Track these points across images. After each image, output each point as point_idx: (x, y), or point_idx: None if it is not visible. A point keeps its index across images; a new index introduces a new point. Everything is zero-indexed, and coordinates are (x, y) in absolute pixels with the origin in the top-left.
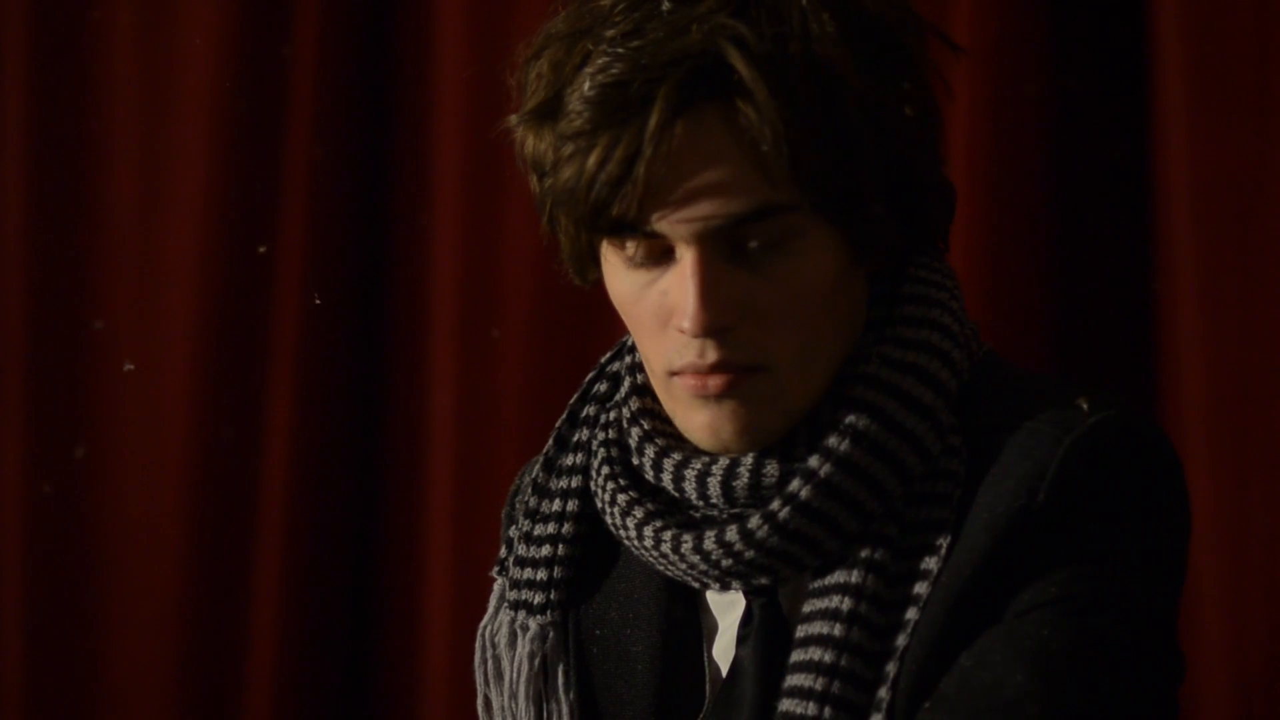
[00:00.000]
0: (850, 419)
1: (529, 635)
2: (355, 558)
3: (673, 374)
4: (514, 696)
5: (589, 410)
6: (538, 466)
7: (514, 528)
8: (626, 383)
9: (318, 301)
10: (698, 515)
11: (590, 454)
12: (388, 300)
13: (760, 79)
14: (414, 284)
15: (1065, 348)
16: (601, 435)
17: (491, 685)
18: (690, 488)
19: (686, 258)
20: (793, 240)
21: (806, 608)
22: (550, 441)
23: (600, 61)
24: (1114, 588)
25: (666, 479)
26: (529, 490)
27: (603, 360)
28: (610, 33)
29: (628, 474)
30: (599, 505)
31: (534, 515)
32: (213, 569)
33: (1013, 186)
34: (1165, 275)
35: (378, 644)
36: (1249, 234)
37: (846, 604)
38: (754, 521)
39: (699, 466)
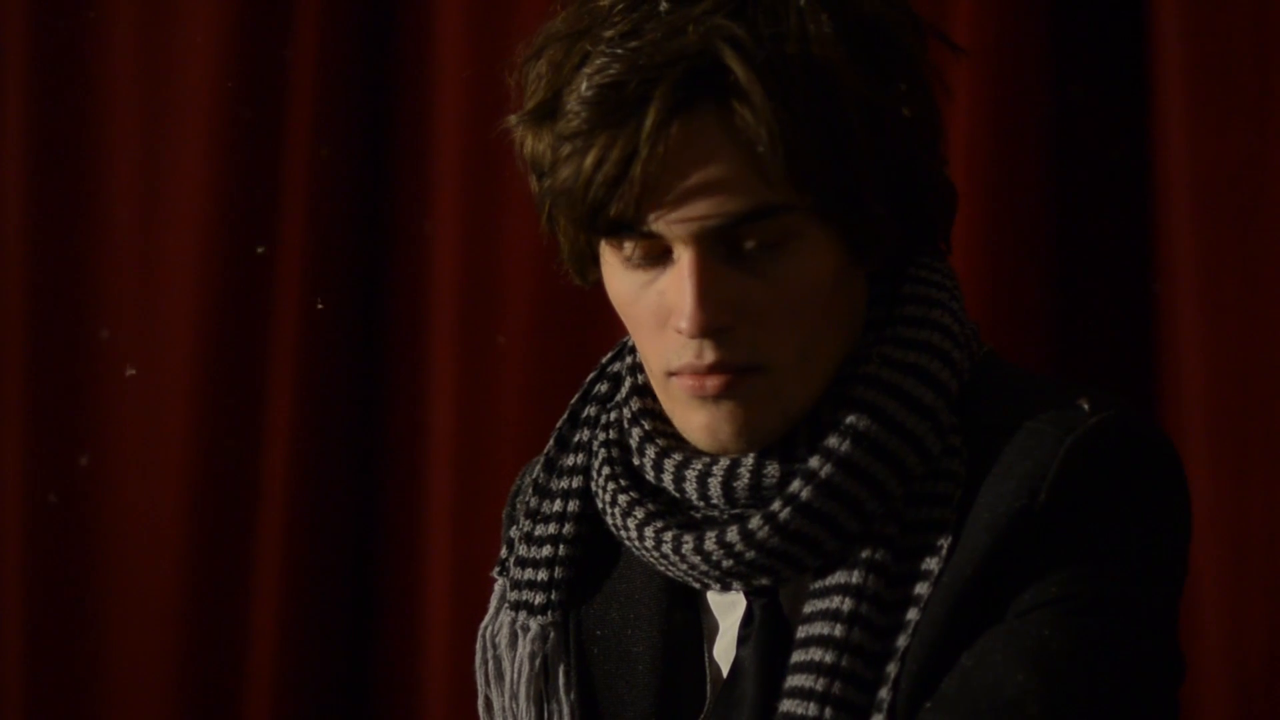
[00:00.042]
0: (851, 419)
1: (530, 636)
2: (355, 558)
3: (671, 374)
4: (515, 697)
5: (590, 411)
6: (539, 467)
7: (515, 528)
8: (627, 383)
9: (320, 307)
10: (698, 516)
11: (591, 454)
12: (388, 300)
13: (756, 80)
14: (414, 284)
15: (1065, 348)
16: (602, 436)
17: (492, 686)
18: (691, 488)
19: (684, 258)
20: (790, 241)
21: (807, 608)
22: (551, 442)
23: (598, 62)
24: (1115, 588)
25: (667, 479)
26: (530, 490)
27: (604, 361)
28: (609, 33)
29: (628, 474)
30: (600, 506)
31: (535, 515)
32: (213, 569)
33: (1013, 186)
34: (1165, 275)
35: (378, 644)
36: (1249, 234)
37: (847, 604)
38: (755, 522)
39: (700, 467)
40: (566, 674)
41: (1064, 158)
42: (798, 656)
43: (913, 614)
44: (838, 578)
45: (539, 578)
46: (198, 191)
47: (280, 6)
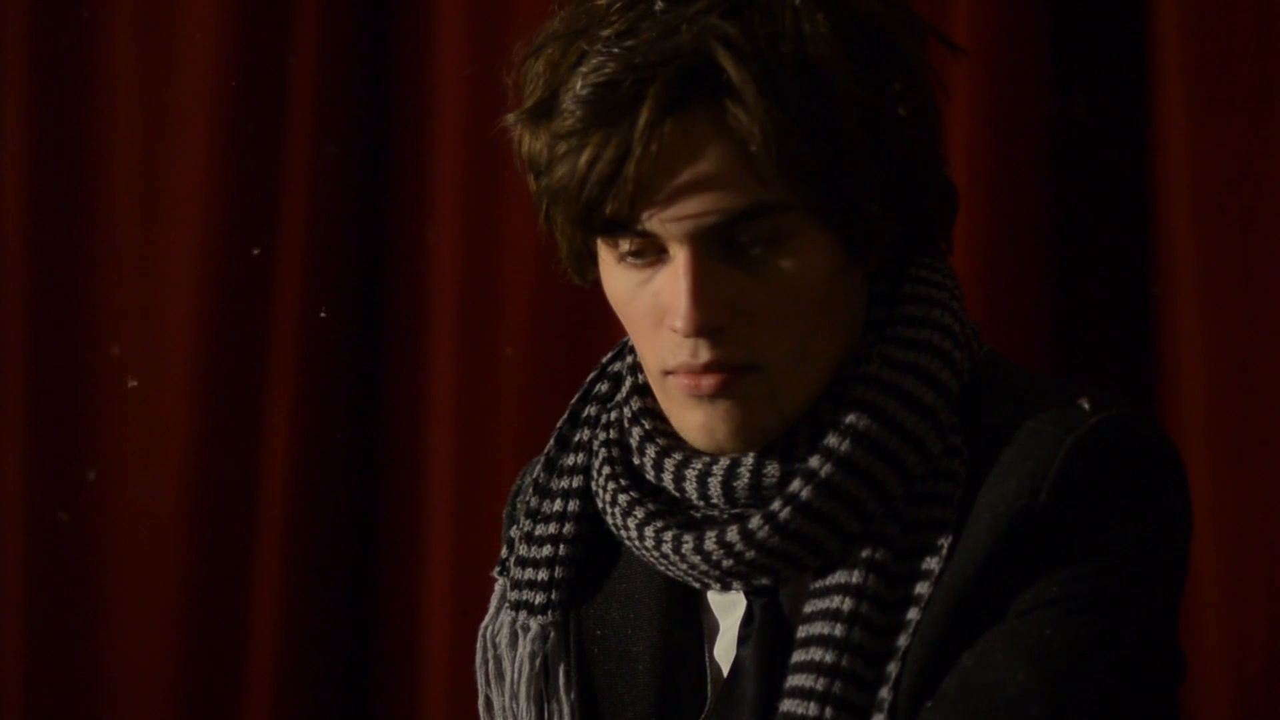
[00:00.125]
0: (851, 419)
1: (530, 635)
2: (355, 558)
3: (667, 373)
4: (515, 697)
5: (590, 410)
6: (539, 466)
7: (515, 528)
8: (628, 382)
9: (323, 315)
10: (698, 515)
11: (591, 454)
12: (388, 300)
13: (749, 79)
14: (414, 284)
15: (1065, 348)
16: (603, 435)
17: (493, 686)
18: (691, 488)
19: (679, 257)
20: (786, 240)
21: (807, 608)
22: (551, 441)
23: (594, 61)
24: (1115, 587)
25: (667, 479)
26: (530, 490)
27: (604, 360)
28: (605, 32)
29: (629, 474)
30: (600, 505)
31: (535, 515)
32: (213, 569)
33: (1013, 186)
34: (1165, 276)
35: (378, 644)
36: (1249, 234)
37: (848, 604)
38: (755, 522)
39: (700, 467)
40: (567, 674)
41: (1064, 158)
42: (798, 656)
43: (913, 613)
44: (838, 577)
45: (539, 577)
46: (197, 191)
47: (280, 7)
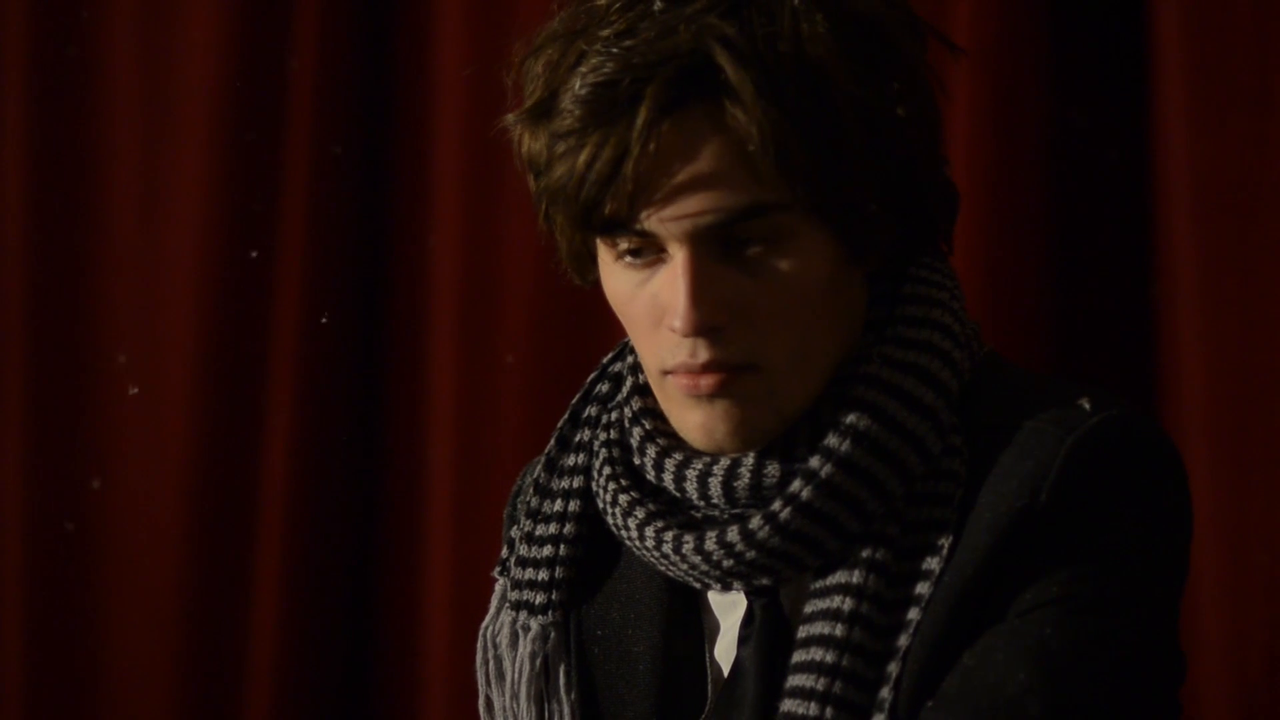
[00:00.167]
0: (851, 419)
1: (530, 635)
2: (355, 558)
3: (666, 373)
4: (515, 697)
5: (591, 410)
6: (540, 466)
7: (516, 528)
8: (628, 382)
9: (324, 320)
10: (699, 515)
11: (592, 454)
12: (387, 300)
13: (747, 78)
14: (414, 285)
15: (1065, 348)
16: (603, 435)
17: (493, 686)
18: (691, 488)
19: (678, 257)
20: (784, 240)
21: (808, 608)
22: (552, 441)
23: (593, 61)
24: (1116, 587)
25: (668, 479)
26: (531, 490)
27: (605, 360)
28: (605, 32)
29: (629, 474)
30: (600, 505)
31: (536, 515)
32: (213, 569)
33: (1013, 186)
34: (1165, 276)
35: (378, 644)
36: (1249, 234)
37: (848, 604)
38: (755, 522)
39: (700, 467)
40: (567, 674)
41: (1064, 158)
42: (798, 656)
43: (914, 613)
44: (838, 577)
45: (540, 577)
46: (197, 192)
47: (280, 6)
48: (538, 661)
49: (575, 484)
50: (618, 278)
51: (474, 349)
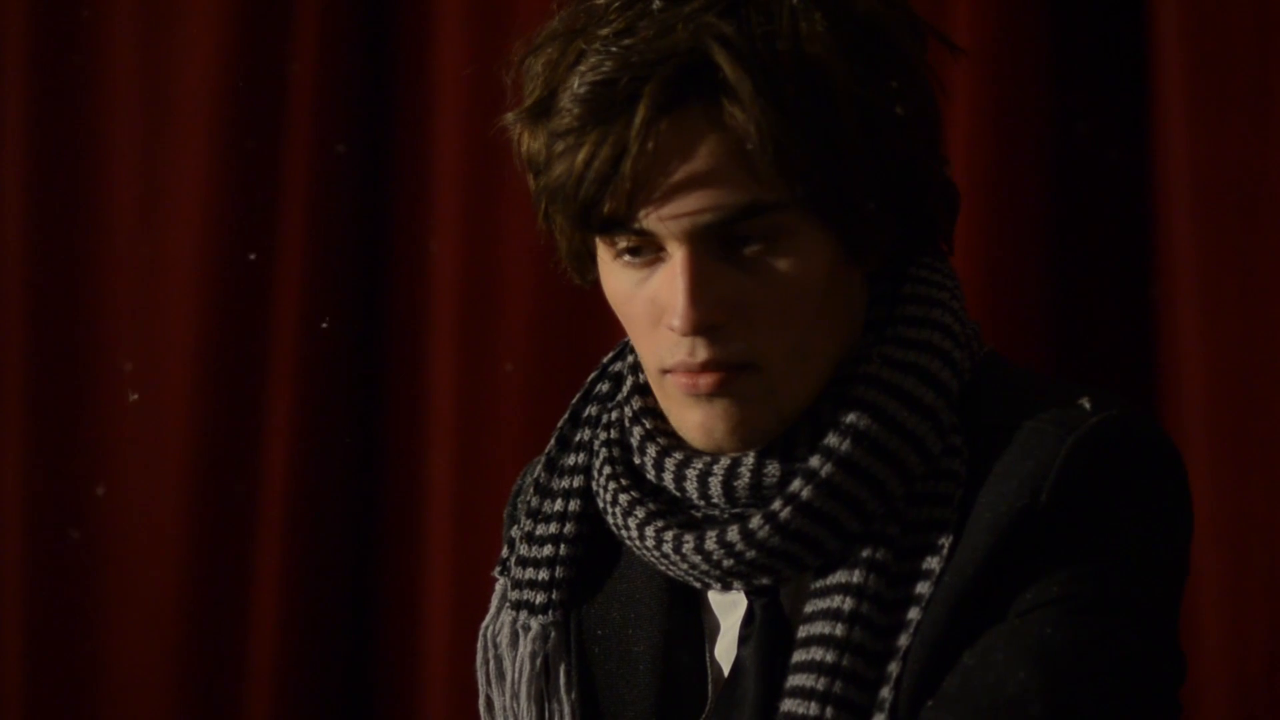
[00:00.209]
0: (851, 419)
1: (531, 635)
2: (355, 558)
3: (665, 372)
4: (516, 696)
5: (591, 410)
6: (540, 466)
7: (516, 527)
8: (629, 382)
9: (324, 326)
10: (699, 515)
11: (592, 454)
12: (388, 300)
13: (745, 77)
14: (414, 284)
15: (1065, 348)
16: (604, 435)
17: (493, 685)
18: (692, 487)
19: (676, 256)
20: (783, 239)
21: (808, 608)
22: (553, 441)
23: (592, 60)
24: (1116, 587)
25: (668, 478)
26: (531, 490)
27: (605, 360)
28: (604, 31)
29: (629, 474)
30: (601, 505)
31: (536, 515)
32: (213, 569)
33: (1013, 186)
34: (1165, 276)
35: (378, 644)
36: (1249, 234)
37: (848, 604)
38: (755, 521)
39: (700, 466)
40: (567, 673)
41: (1064, 158)
42: (799, 656)
43: (914, 613)
44: (839, 577)
45: (540, 577)
46: (197, 192)
47: (280, 6)
48: (538, 661)
49: (576, 483)
50: (617, 277)
51: (474, 349)
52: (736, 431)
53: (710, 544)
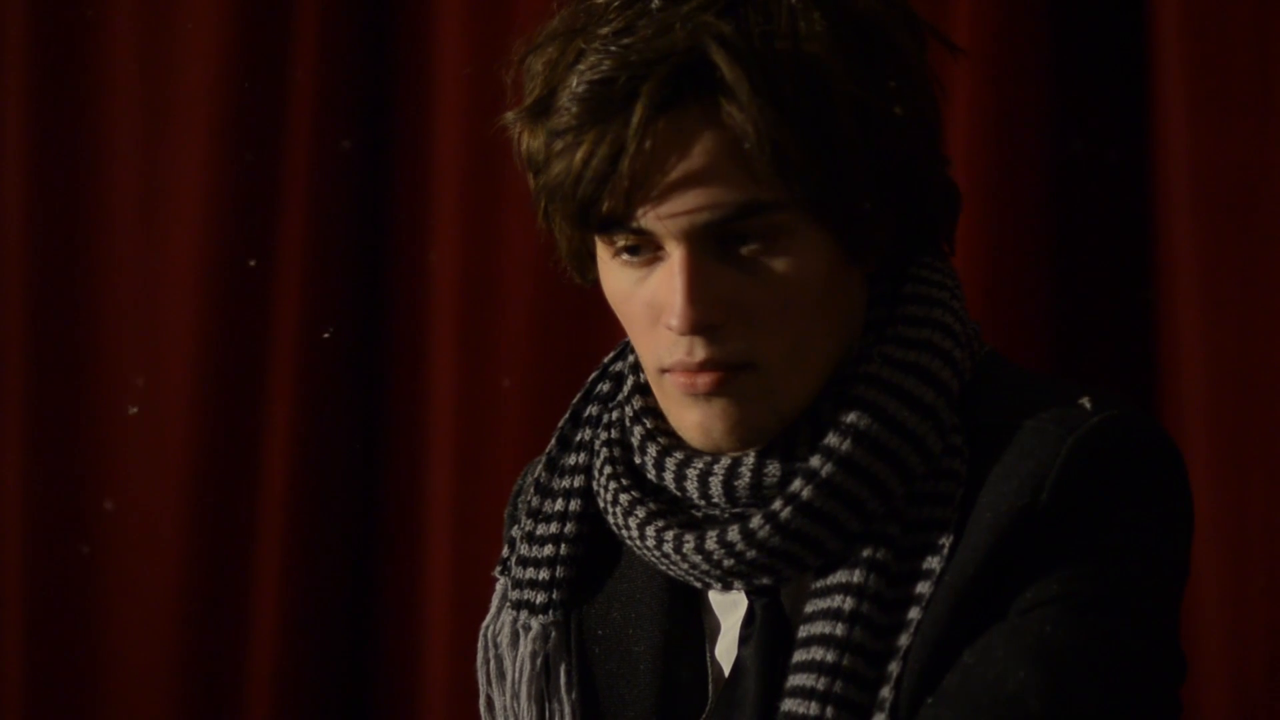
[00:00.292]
0: (851, 418)
1: (531, 635)
2: (355, 558)
3: (664, 371)
4: (516, 696)
5: (592, 410)
6: (540, 466)
7: (516, 527)
8: (629, 381)
9: (326, 336)
10: (699, 515)
11: (593, 453)
12: (388, 301)
13: (743, 76)
14: (414, 284)
15: (1065, 348)
16: (604, 435)
17: (494, 685)
18: (692, 487)
19: (675, 255)
20: (781, 238)
21: (809, 607)
22: (553, 441)
23: (590, 59)
24: (1116, 586)
25: (668, 478)
26: (532, 489)
27: (606, 360)
28: (603, 30)
29: (630, 474)
30: (601, 505)
31: (537, 515)
32: (213, 570)
33: (1013, 186)
34: (1165, 275)
35: (378, 644)
36: (1249, 234)
37: (849, 603)
38: (756, 521)
39: (701, 466)
40: (568, 673)
41: (1064, 158)
42: (799, 656)
43: (914, 613)
44: (839, 577)
45: (540, 577)
46: (197, 192)
47: (280, 7)
48: (538, 661)
49: (576, 483)
50: (615, 276)
51: (474, 350)
52: (735, 431)
53: (711, 544)
